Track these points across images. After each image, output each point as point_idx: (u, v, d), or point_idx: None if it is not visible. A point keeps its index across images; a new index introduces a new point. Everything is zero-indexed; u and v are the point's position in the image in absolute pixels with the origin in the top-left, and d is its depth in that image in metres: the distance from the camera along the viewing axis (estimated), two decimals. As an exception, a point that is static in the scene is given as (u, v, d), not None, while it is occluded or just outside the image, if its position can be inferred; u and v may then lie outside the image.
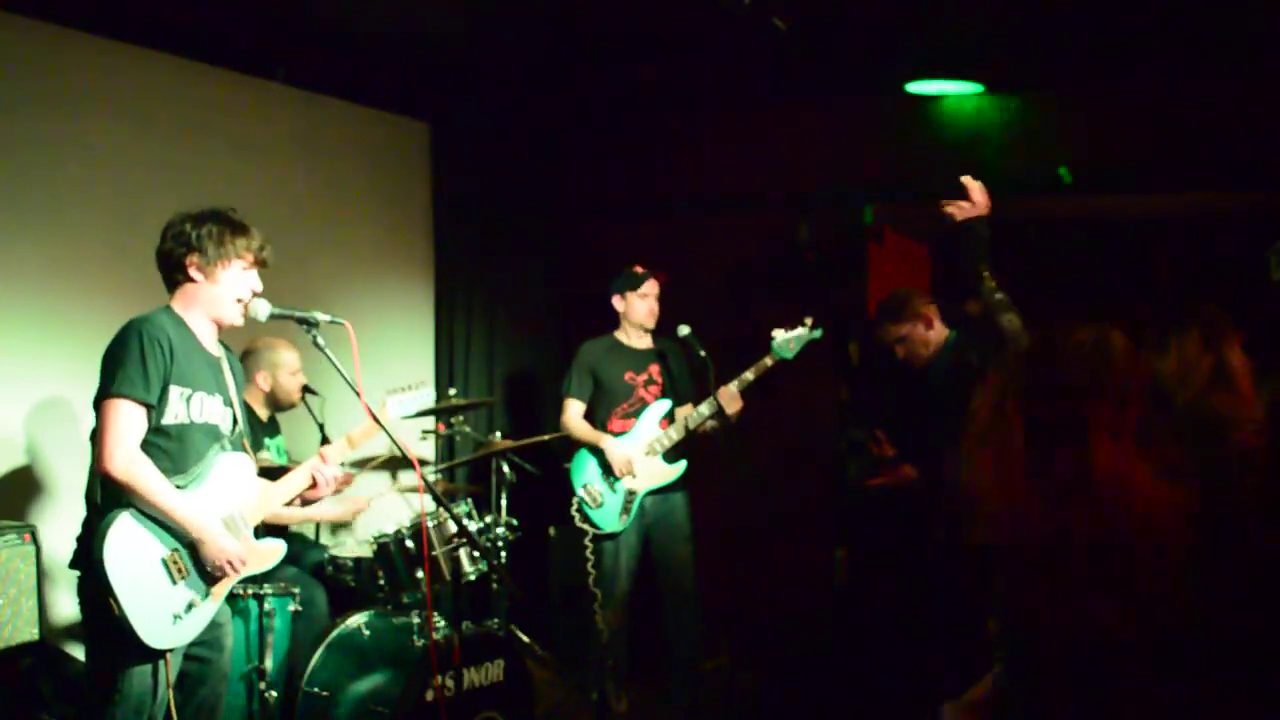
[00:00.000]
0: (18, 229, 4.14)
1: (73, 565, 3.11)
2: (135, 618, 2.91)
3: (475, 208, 6.11)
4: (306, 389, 4.79)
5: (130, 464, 2.97)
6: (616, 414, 4.96)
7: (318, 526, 5.01)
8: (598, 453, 4.89)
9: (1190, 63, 5.14)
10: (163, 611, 3.00)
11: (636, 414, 4.94)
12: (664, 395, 4.98)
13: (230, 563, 3.09)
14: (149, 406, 3.03)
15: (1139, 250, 7.19)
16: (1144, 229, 7.10)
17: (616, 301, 4.99)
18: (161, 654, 3.02)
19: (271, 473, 3.50)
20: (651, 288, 4.96)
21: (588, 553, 4.85)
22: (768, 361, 4.75)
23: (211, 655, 3.23)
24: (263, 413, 4.54)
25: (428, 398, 3.68)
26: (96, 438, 3.02)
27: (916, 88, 5.66)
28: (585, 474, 4.92)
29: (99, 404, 3.03)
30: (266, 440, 4.47)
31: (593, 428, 4.96)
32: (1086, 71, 5.36)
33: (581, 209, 6.65)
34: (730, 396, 4.73)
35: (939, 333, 4.43)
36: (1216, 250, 6.71)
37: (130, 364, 2.99)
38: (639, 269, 4.99)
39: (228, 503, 3.20)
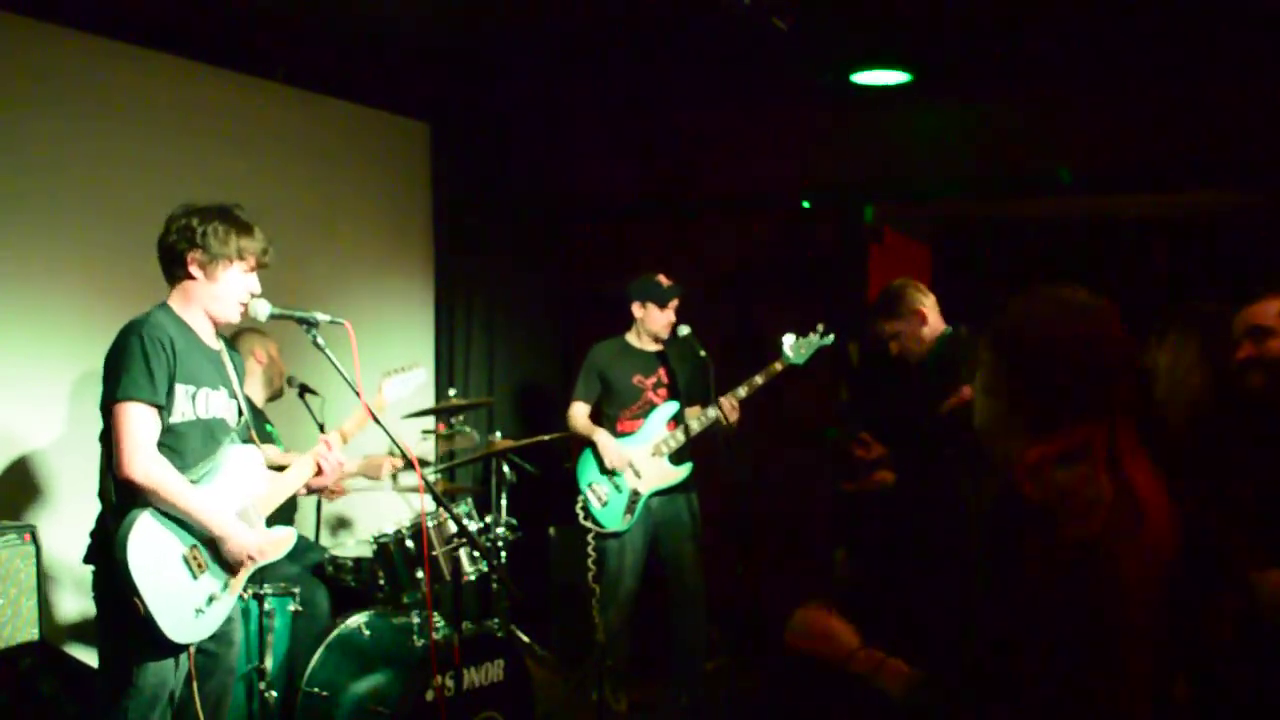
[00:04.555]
0: (18, 229, 4.14)
1: (87, 560, 3.12)
2: (160, 615, 2.94)
3: (475, 208, 6.10)
4: (306, 389, 4.79)
5: (150, 468, 2.97)
6: (625, 416, 4.95)
7: (318, 526, 5.01)
8: None
9: (1190, 63, 5.14)
10: (186, 607, 3.03)
11: (645, 415, 4.94)
12: (672, 398, 4.98)
13: (251, 556, 3.15)
14: (159, 407, 3.02)
15: (1139, 250, 7.18)
16: (1144, 229, 7.10)
17: (636, 308, 4.93)
18: (184, 648, 3.06)
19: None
20: (675, 304, 4.90)
21: (590, 550, 4.85)
22: (777, 367, 4.73)
23: (219, 649, 3.25)
24: (261, 397, 4.54)
25: (421, 377, 3.79)
26: (112, 443, 3.00)
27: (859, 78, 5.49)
28: (592, 472, 4.92)
29: (109, 409, 3.02)
30: (269, 428, 4.47)
31: (594, 425, 4.96)
32: (1087, 71, 5.36)
33: (582, 209, 6.65)
34: (733, 403, 4.72)
35: (933, 329, 4.31)
36: (1216, 250, 6.71)
37: (135, 367, 2.98)
38: (665, 280, 4.89)
39: (240, 495, 3.21)
